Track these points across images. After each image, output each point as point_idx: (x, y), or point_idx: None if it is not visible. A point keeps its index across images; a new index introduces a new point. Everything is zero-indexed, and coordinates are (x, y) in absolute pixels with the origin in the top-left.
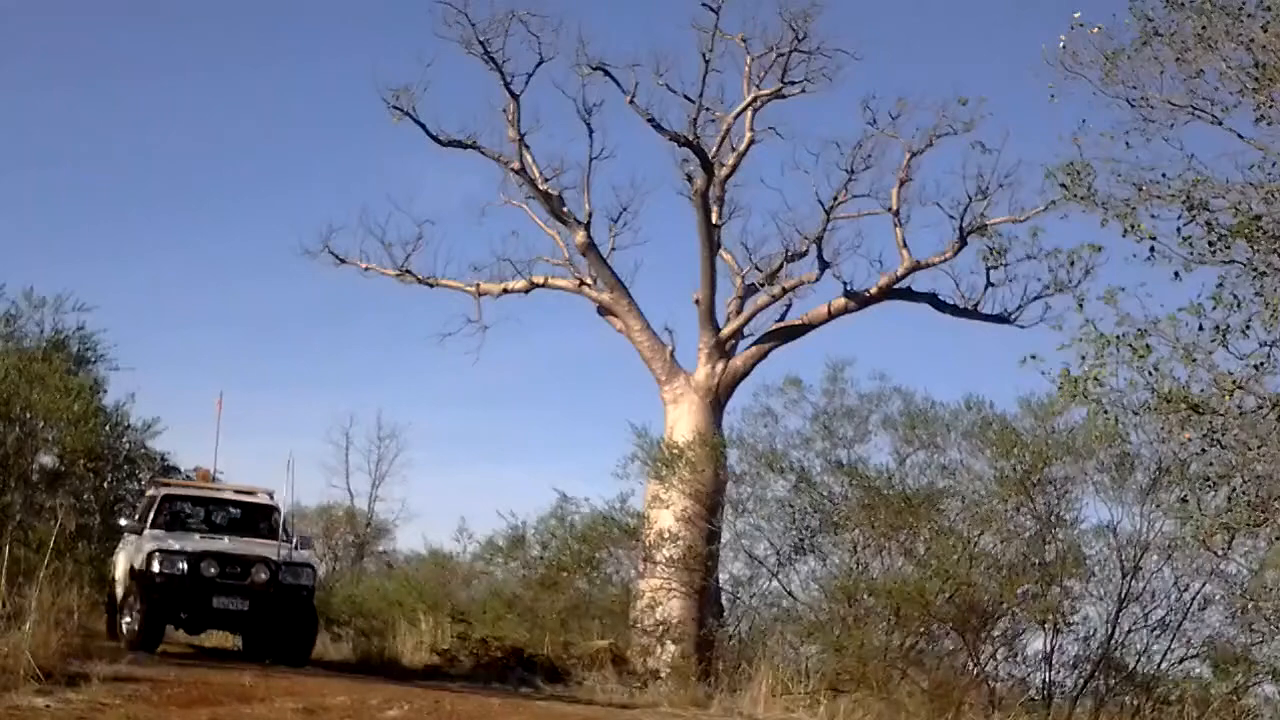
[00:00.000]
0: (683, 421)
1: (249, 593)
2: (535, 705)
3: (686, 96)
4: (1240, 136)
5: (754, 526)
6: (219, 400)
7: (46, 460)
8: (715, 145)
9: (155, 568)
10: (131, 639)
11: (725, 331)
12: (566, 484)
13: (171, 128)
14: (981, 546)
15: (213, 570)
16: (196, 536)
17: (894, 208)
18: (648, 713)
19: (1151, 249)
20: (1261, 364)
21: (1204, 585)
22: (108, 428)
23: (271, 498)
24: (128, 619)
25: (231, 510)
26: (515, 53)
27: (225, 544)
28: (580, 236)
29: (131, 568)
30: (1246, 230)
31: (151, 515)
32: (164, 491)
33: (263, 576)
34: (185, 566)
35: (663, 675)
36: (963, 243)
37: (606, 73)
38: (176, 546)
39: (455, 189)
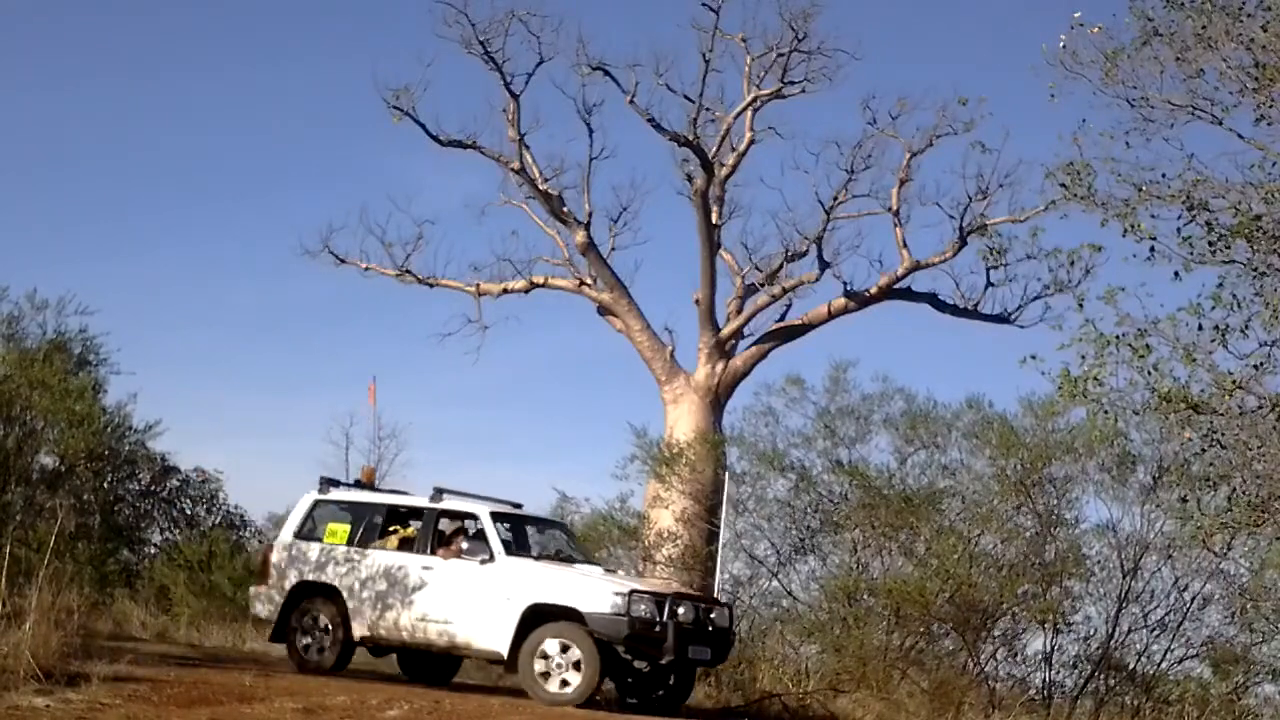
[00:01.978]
0: (683, 421)
1: (711, 639)
2: (535, 705)
3: (686, 96)
4: (1240, 136)
5: (754, 526)
6: (371, 386)
7: (47, 460)
8: (715, 145)
9: (633, 611)
10: (565, 703)
11: (725, 331)
12: (566, 484)
13: (171, 127)
14: (982, 546)
15: (690, 614)
16: (591, 567)
17: (894, 208)
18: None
19: (1151, 249)
20: (1261, 364)
21: (1204, 585)
22: (108, 429)
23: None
24: (559, 676)
25: (537, 530)
26: (515, 53)
27: (649, 581)
28: (580, 236)
29: (547, 610)
30: (1246, 230)
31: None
32: (490, 509)
33: (723, 620)
34: (657, 610)
35: None
36: (963, 243)
37: (606, 73)
38: (639, 586)
39: (455, 189)
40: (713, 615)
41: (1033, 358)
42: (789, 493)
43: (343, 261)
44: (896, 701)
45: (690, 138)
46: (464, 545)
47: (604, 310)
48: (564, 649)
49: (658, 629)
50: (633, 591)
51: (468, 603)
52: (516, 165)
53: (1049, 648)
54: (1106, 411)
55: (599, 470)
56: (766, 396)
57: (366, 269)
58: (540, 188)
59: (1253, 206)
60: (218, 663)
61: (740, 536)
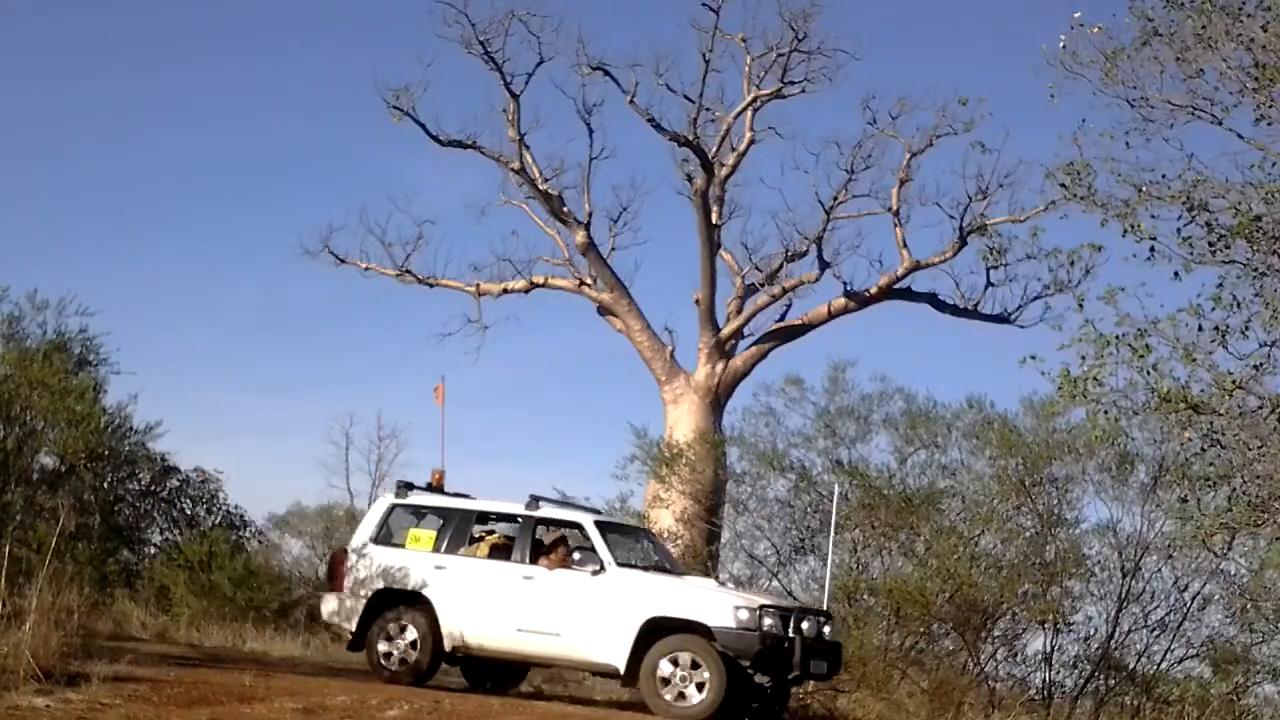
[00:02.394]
0: (683, 421)
1: (826, 653)
2: (535, 705)
3: (686, 96)
4: (1240, 136)
5: (754, 526)
6: (440, 386)
7: (47, 460)
8: (715, 145)
9: (764, 627)
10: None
11: (725, 331)
12: (566, 484)
13: (171, 127)
14: (982, 546)
15: (812, 629)
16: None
17: (894, 208)
18: (648, 713)
19: (1151, 249)
20: (1261, 364)
21: (1204, 585)
22: (109, 429)
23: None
24: (683, 690)
25: (627, 538)
26: (515, 53)
27: (762, 594)
28: (580, 236)
29: (668, 623)
30: (1246, 230)
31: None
32: (593, 518)
33: (835, 634)
34: (783, 625)
35: None
36: (963, 243)
37: (606, 73)
38: (765, 601)
39: (455, 189)
40: (826, 628)
41: (1033, 358)
42: (789, 493)
43: (343, 261)
44: (896, 701)
45: (690, 138)
46: (575, 556)
47: (604, 310)
48: (694, 664)
49: (787, 645)
50: (762, 607)
51: (578, 615)
52: (516, 165)
53: (1049, 648)
54: (1106, 412)
55: (599, 470)
56: (766, 396)
57: (366, 269)
58: (540, 188)
59: (1253, 207)
60: (218, 663)
61: (740, 536)
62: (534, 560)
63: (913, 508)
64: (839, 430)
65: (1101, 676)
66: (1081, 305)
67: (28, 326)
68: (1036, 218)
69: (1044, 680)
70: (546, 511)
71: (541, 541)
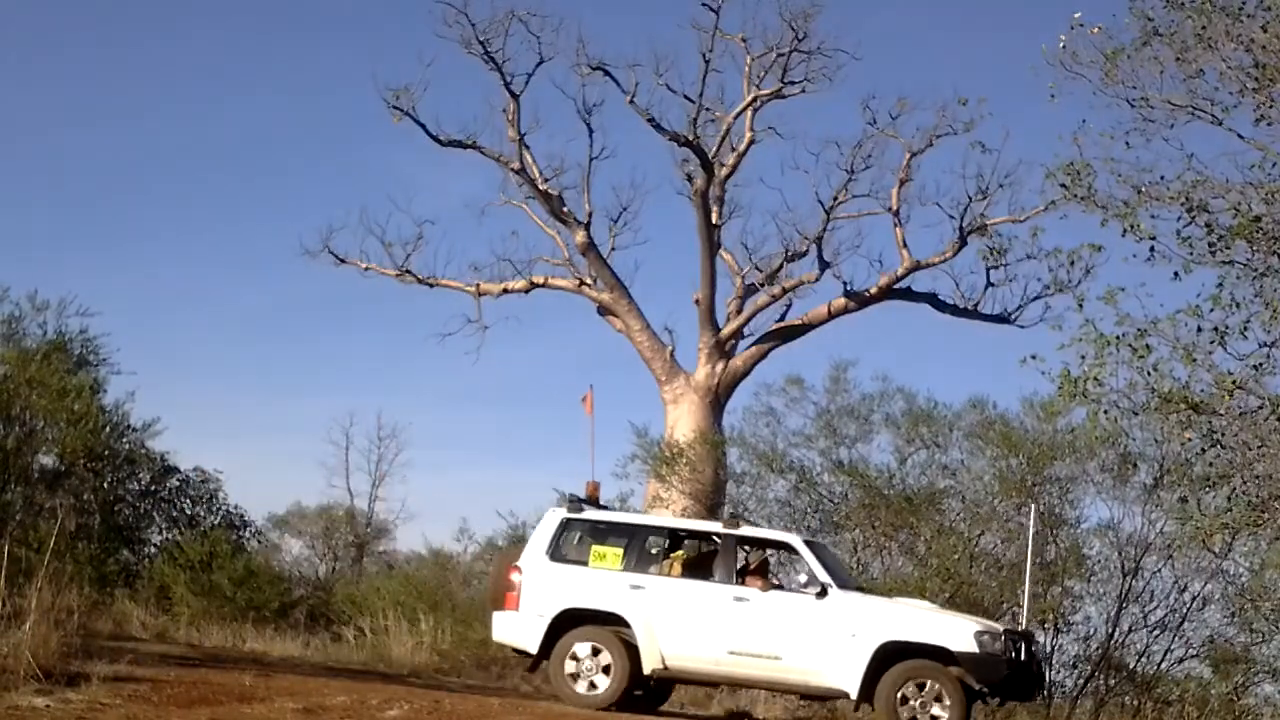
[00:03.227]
0: (683, 421)
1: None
2: (535, 705)
3: (686, 96)
4: (1240, 136)
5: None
6: (589, 395)
7: (46, 460)
8: (715, 145)
9: (1008, 652)
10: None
11: (725, 331)
12: (567, 484)
13: (170, 127)
14: (982, 546)
15: (1040, 653)
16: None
17: (894, 208)
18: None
19: (1151, 249)
20: (1261, 364)
21: (1204, 585)
22: (107, 428)
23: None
24: (922, 714)
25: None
26: (515, 53)
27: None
28: (580, 236)
29: (905, 648)
30: (1246, 231)
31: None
32: (803, 538)
33: (1041, 654)
34: (1014, 649)
35: None
36: (963, 243)
37: (606, 73)
38: (1001, 626)
39: (455, 189)
40: (1035, 650)
41: (1033, 358)
42: (789, 493)
43: (343, 261)
44: None
45: (690, 138)
46: (800, 578)
47: (604, 310)
48: (937, 694)
49: (1032, 669)
50: (1006, 632)
51: (801, 637)
52: (516, 165)
53: (1049, 648)
54: (1106, 412)
55: (599, 470)
56: (766, 396)
57: (366, 269)
58: (540, 188)
59: (1253, 207)
60: (218, 663)
61: None
62: (742, 581)
63: (913, 508)
64: (839, 430)
65: (1101, 676)
66: (1081, 305)
67: (28, 326)
68: (1036, 218)
69: (1044, 680)
70: (749, 531)
71: (748, 562)
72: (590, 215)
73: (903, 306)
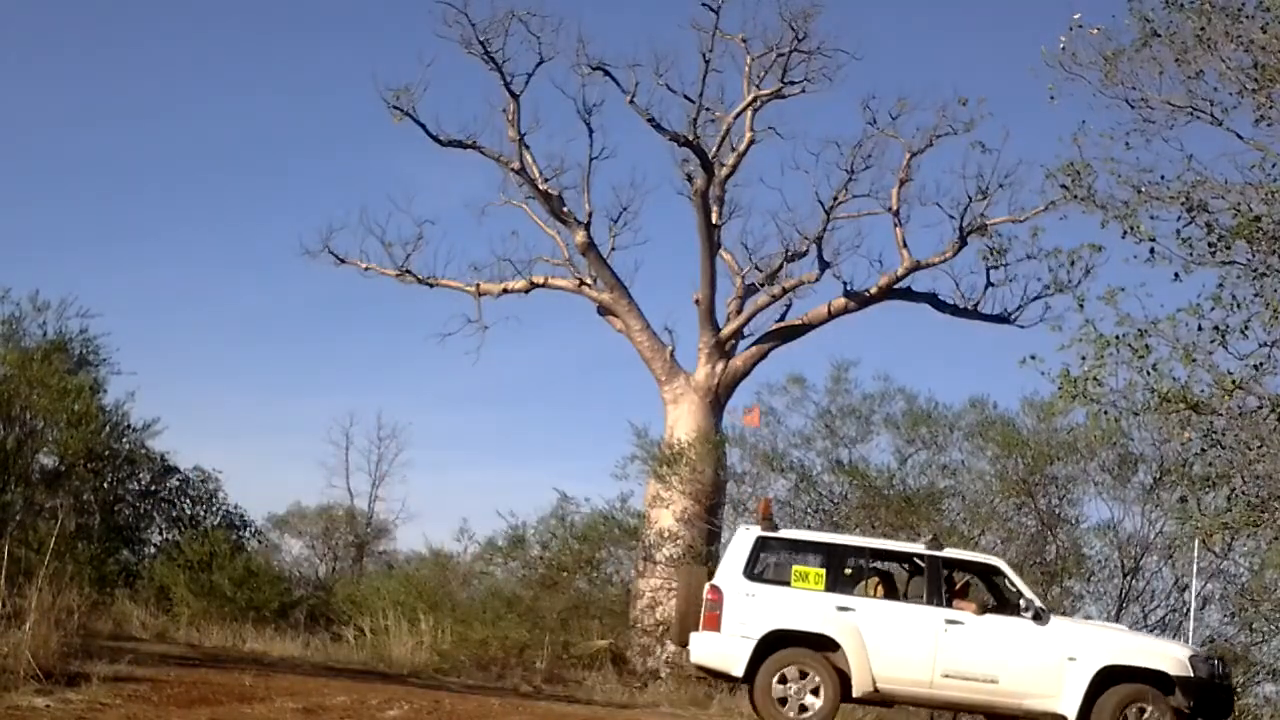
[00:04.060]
0: (683, 421)
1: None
2: (535, 705)
3: (686, 96)
4: (1240, 137)
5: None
6: (755, 408)
7: (46, 460)
8: (715, 145)
9: (1217, 677)
10: None
11: (725, 331)
12: (567, 484)
13: (170, 127)
14: (982, 546)
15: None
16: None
17: (894, 208)
18: (648, 712)
19: (1151, 250)
20: (1261, 364)
21: (1204, 585)
22: (107, 428)
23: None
24: None
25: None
26: (515, 53)
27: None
28: (580, 236)
29: (1122, 672)
30: (1246, 231)
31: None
32: (1005, 560)
33: None
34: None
35: (663, 675)
36: (963, 243)
37: (606, 73)
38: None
39: (455, 189)
40: (1229, 672)
41: (1033, 358)
42: (789, 493)
43: (343, 261)
44: None
45: (690, 138)
46: (1025, 605)
47: (604, 310)
48: (1151, 712)
49: (1232, 692)
50: (1210, 658)
51: (1018, 661)
52: (516, 165)
53: None
54: (1106, 412)
55: (599, 470)
56: (767, 396)
57: (366, 269)
58: (540, 188)
59: (1252, 207)
60: (218, 663)
61: None
62: (949, 603)
63: (913, 507)
64: (839, 430)
65: None
66: (1081, 305)
67: (28, 327)
68: (1036, 218)
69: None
70: (955, 553)
71: (953, 584)
72: (590, 215)
73: (903, 306)
